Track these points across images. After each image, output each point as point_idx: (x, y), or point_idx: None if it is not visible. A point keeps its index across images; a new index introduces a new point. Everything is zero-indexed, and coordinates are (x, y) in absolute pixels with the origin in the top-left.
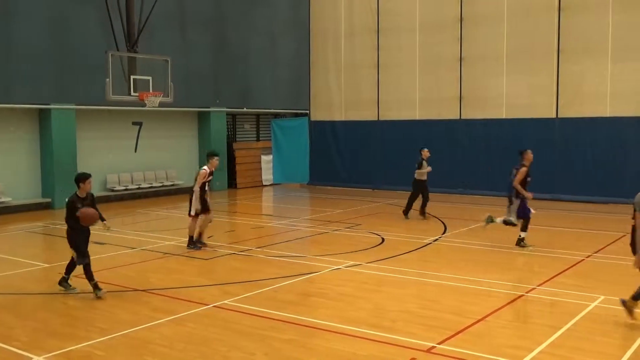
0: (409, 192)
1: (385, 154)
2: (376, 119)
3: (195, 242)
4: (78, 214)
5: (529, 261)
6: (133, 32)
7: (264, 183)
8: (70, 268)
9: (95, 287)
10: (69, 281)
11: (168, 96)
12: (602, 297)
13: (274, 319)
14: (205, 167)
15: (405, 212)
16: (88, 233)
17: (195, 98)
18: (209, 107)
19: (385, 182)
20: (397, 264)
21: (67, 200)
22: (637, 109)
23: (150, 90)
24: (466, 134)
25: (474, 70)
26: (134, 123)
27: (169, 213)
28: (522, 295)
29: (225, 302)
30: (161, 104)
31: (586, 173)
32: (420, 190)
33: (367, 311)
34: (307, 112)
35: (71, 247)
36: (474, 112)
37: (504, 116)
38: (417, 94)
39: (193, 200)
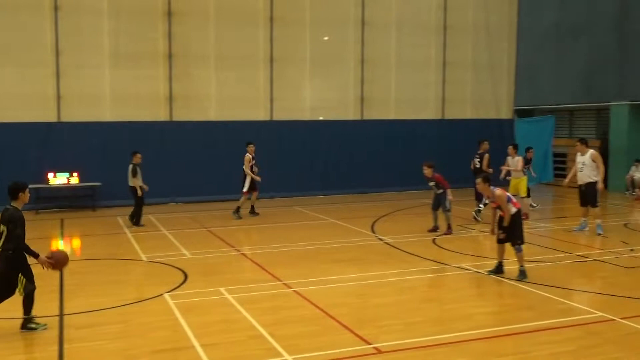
0: None
1: None
2: None
3: (239, 212)
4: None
5: None
6: None
7: None
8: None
9: (31, 321)
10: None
11: None
12: None
13: None
14: (247, 154)
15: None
16: None
17: None
18: None
19: None
20: None
21: (15, 215)
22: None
23: None
24: None
25: None
26: None
27: None
28: None
29: None
30: None
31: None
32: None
33: None
34: None
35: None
36: None
37: None
38: None
39: (248, 180)
